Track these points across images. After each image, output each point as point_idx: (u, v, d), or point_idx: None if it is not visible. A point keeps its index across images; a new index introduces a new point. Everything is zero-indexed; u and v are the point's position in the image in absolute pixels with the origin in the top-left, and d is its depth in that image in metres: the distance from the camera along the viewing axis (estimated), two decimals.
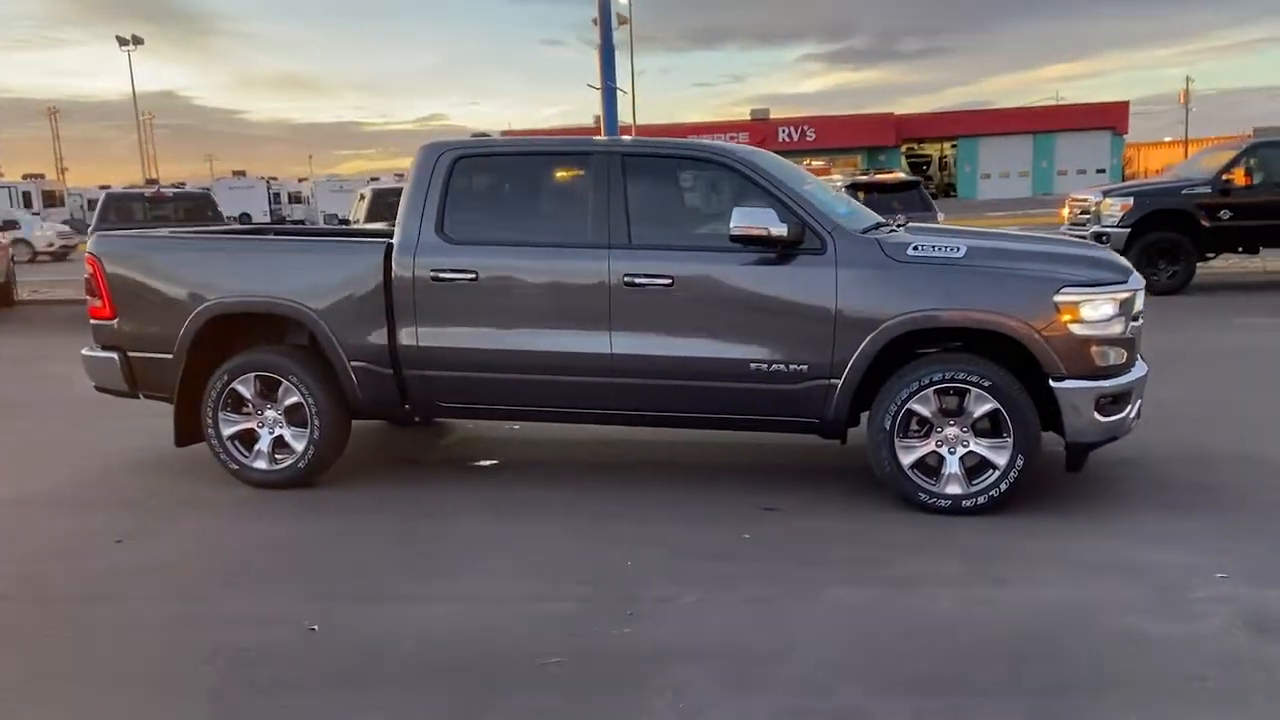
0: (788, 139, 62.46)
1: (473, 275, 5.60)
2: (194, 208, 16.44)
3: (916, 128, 63.68)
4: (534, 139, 7.19)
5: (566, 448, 6.90)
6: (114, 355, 6.13)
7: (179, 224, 15.72)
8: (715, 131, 64.29)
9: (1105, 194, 15.45)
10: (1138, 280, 5.28)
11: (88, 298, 6.23)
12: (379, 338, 5.75)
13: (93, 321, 6.24)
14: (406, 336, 5.72)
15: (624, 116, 50.42)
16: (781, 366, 5.31)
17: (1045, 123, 62.50)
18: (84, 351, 6.35)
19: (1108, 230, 14.56)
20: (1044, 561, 4.64)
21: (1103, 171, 60.70)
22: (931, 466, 5.29)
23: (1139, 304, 5.25)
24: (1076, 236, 13.76)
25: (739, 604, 4.26)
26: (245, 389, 5.93)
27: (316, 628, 4.11)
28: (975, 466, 5.25)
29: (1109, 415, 5.13)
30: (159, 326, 6.01)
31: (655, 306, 5.42)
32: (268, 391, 5.95)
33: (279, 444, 5.98)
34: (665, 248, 5.53)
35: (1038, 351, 5.05)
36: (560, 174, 5.87)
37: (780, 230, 5.18)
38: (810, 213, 5.33)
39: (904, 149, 63.78)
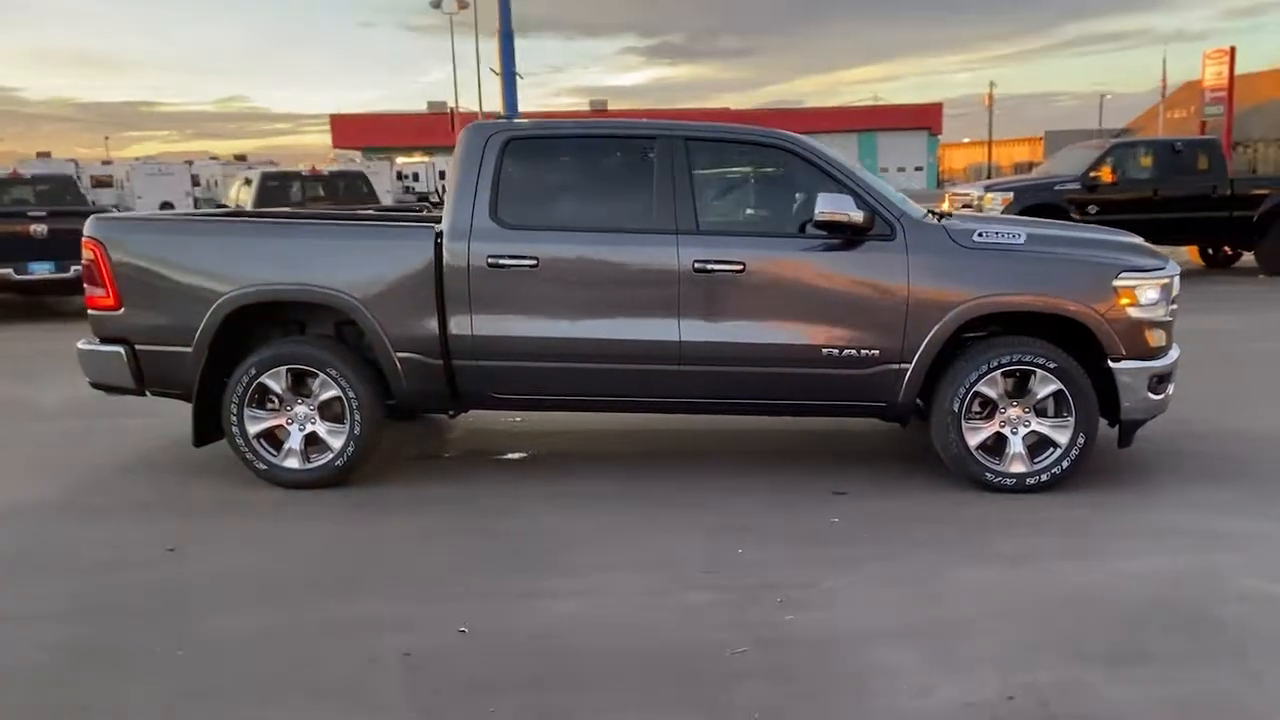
0: None
1: (533, 261, 5.42)
2: (52, 190, 15.16)
3: (750, 124, 65.26)
4: (584, 120, 7.02)
5: (588, 439, 6.77)
6: (119, 349, 5.61)
7: (37, 207, 14.49)
8: None
9: (987, 189, 16.36)
10: (1175, 267, 5.59)
11: (86, 286, 5.68)
12: (429, 327, 5.49)
13: (92, 312, 5.70)
14: (459, 325, 5.48)
15: (457, 101, 49.67)
16: (854, 352, 5.37)
17: (867, 122, 65.33)
18: (81, 345, 5.79)
19: None
20: (1128, 533, 4.88)
21: (920, 169, 63.99)
22: (990, 447, 5.46)
23: (1176, 289, 5.57)
24: None
25: (878, 587, 4.30)
26: (275, 383, 5.55)
27: (467, 630, 3.90)
28: (1033, 446, 5.45)
29: (1157, 394, 5.43)
30: (176, 317, 5.55)
31: (726, 293, 5.39)
32: (298, 385, 5.59)
33: (310, 441, 5.62)
34: (734, 233, 5.52)
35: (1101, 334, 5.29)
36: (620, 157, 5.74)
37: (857, 216, 5.23)
38: (878, 199, 5.41)
39: None
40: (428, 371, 5.55)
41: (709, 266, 5.35)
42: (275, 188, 15.33)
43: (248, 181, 15.74)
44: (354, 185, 15.80)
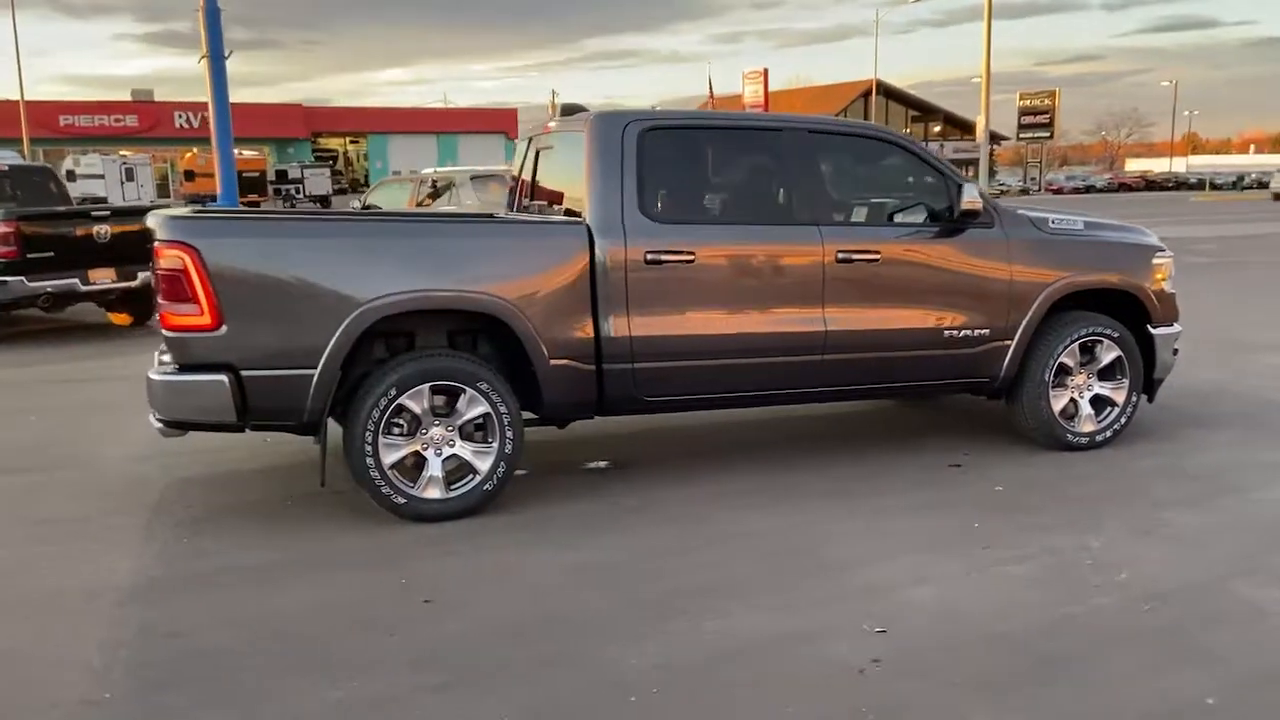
0: (186, 125, 58.17)
1: (689, 256, 5.23)
2: None
3: (327, 121, 62.93)
4: (707, 111, 6.51)
5: (647, 442, 6.51)
6: (221, 377, 4.59)
7: None
8: (97, 113, 57.42)
9: None
10: None
11: (164, 303, 4.58)
12: (584, 330, 5.10)
13: (174, 335, 4.61)
14: (615, 327, 5.14)
15: (22, 88, 42.90)
16: (969, 332, 5.77)
17: (448, 124, 65.73)
18: (156, 376, 4.66)
19: None
20: (1235, 469, 5.72)
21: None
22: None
23: None
24: None
25: (1135, 538, 4.71)
26: (415, 404, 4.86)
27: (885, 630, 3.80)
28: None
29: (1174, 355, 6.39)
30: (297, 334, 4.67)
31: (864, 282, 5.55)
32: (439, 404, 4.94)
33: (447, 465, 4.99)
34: (864, 223, 5.69)
35: (1149, 306, 6.13)
36: (751, 148, 5.65)
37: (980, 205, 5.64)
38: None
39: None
40: (580, 378, 5.14)
41: (852, 256, 5.48)
42: None
43: None
44: (38, 183, 13.33)
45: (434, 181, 15.32)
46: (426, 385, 4.85)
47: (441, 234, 5.16)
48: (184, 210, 5.22)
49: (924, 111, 77.55)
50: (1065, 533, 4.79)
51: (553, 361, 5.05)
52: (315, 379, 4.67)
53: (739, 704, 3.31)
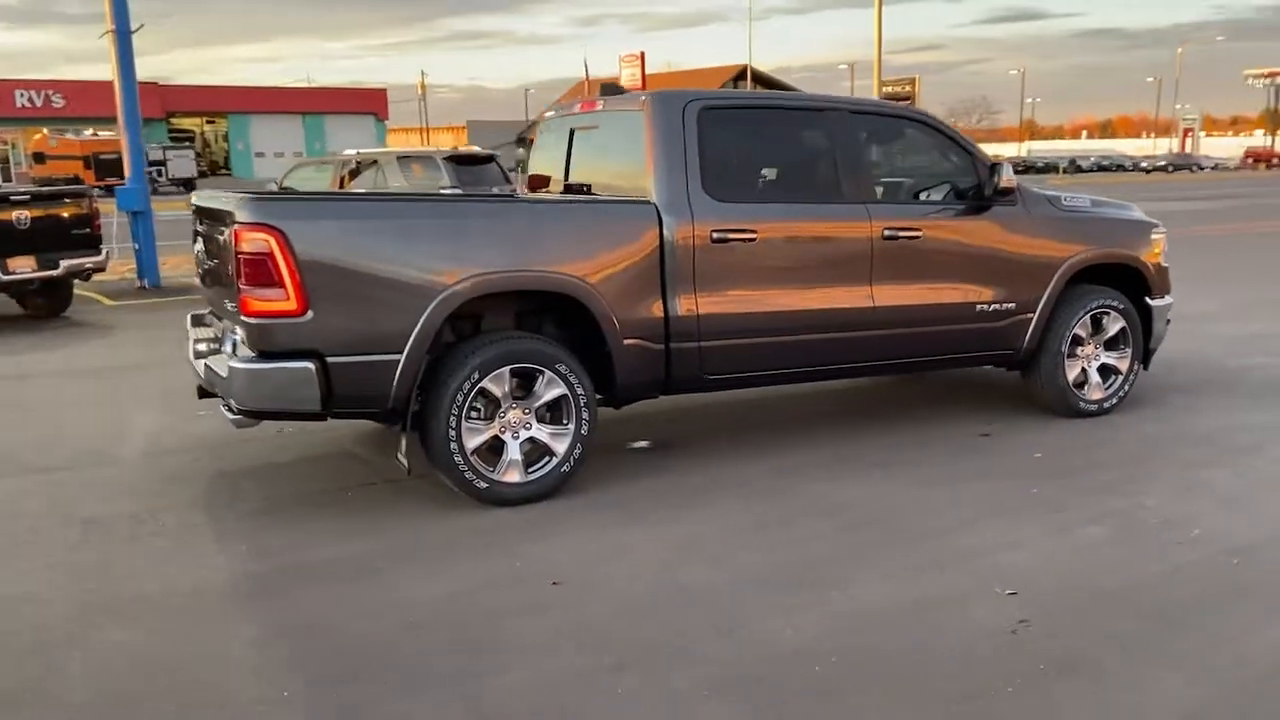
0: (29, 104, 54.89)
1: (752, 235, 5.29)
2: None
3: (184, 100, 60.12)
4: (754, 92, 6.35)
5: (676, 421, 6.54)
6: (307, 364, 4.42)
7: None
8: None
9: None
10: None
11: (246, 288, 4.37)
12: (655, 310, 5.12)
13: (256, 321, 4.41)
14: (684, 306, 5.17)
15: None
16: (998, 306, 6.01)
17: (314, 104, 63.74)
18: (237, 364, 4.45)
19: None
20: (1246, 429, 6.12)
21: None
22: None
23: None
24: None
25: (1191, 495, 5.02)
26: (496, 387, 4.79)
27: (1016, 591, 3.97)
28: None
29: (1167, 325, 6.79)
30: (382, 319, 4.55)
31: (907, 259, 5.72)
32: (515, 387, 4.88)
33: (524, 448, 4.95)
34: (905, 201, 5.86)
35: (1150, 279, 6.50)
36: (800, 128, 5.72)
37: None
38: None
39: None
40: (650, 358, 5.16)
41: (898, 234, 5.64)
42: None
43: None
44: None
45: (357, 162, 14.93)
46: (507, 368, 4.79)
47: (521, 215, 5.06)
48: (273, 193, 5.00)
49: None
50: (1118, 495, 5.06)
51: (625, 341, 5.05)
52: (401, 364, 4.57)
53: (916, 668, 3.40)
